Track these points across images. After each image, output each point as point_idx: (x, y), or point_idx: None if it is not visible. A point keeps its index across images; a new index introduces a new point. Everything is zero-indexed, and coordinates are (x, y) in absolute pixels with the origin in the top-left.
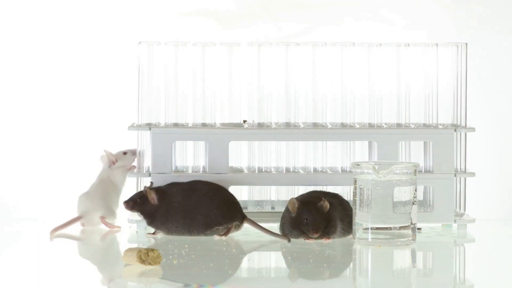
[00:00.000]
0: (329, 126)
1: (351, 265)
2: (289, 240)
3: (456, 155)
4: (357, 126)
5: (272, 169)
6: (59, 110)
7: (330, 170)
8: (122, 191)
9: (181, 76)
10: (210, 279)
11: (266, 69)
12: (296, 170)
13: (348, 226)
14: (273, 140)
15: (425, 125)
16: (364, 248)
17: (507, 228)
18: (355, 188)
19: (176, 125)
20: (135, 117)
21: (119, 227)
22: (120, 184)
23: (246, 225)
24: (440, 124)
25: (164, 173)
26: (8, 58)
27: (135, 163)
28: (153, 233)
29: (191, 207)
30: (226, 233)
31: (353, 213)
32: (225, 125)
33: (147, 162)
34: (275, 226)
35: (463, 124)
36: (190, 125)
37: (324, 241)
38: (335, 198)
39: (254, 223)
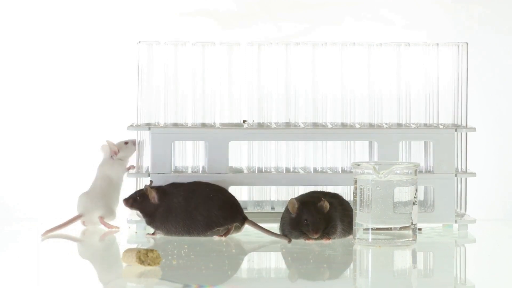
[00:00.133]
0: (329, 126)
1: (351, 265)
2: (289, 241)
3: (456, 155)
4: (357, 126)
5: (272, 169)
6: (59, 110)
7: (330, 170)
8: (122, 190)
9: (181, 76)
10: (210, 280)
11: (266, 69)
12: (296, 170)
13: (348, 227)
14: (273, 140)
15: (425, 125)
16: (365, 248)
17: (508, 228)
18: (356, 189)
19: (175, 125)
20: (134, 117)
21: (118, 228)
22: (119, 179)
23: (246, 226)
24: (440, 124)
25: (163, 173)
26: (8, 58)
27: (134, 163)
28: (153, 234)
29: (192, 207)
30: (225, 234)
31: (354, 213)
32: (224, 125)
33: (147, 162)
34: (275, 227)
35: (463, 124)
36: (189, 125)
37: (324, 241)
38: (335, 199)
39: (255, 224)
